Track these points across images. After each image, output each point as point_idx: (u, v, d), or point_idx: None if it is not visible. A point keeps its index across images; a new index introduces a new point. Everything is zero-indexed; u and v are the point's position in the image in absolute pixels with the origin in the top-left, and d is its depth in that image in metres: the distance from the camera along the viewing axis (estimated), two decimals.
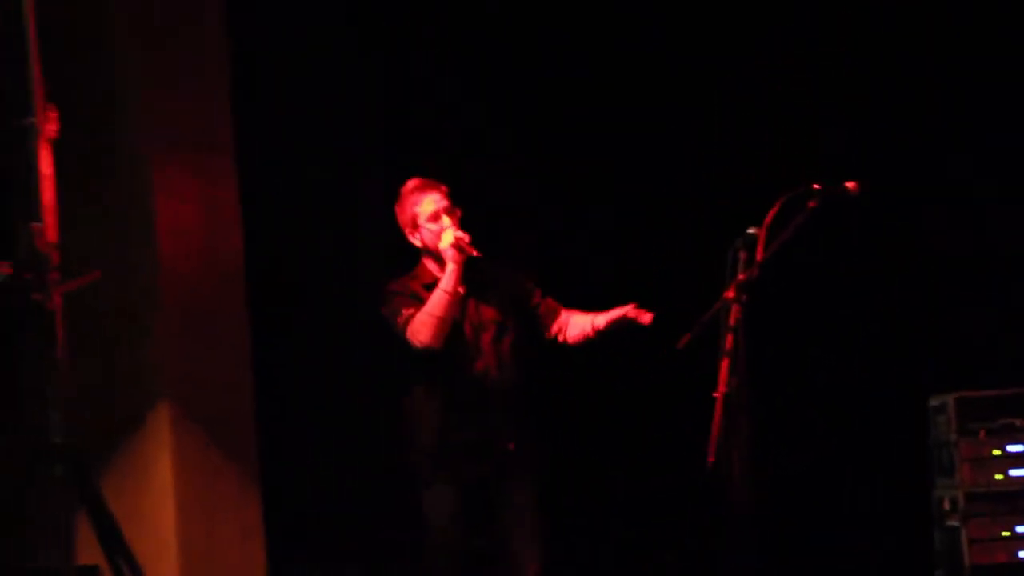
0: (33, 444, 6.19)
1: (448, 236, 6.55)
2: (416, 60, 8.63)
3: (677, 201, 8.46)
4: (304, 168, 8.46)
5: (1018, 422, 8.09)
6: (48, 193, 5.98)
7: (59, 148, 6.09)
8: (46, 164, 5.98)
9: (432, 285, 6.60)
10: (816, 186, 5.95)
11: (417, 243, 6.70)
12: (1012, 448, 8.06)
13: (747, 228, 5.88)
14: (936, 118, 8.58)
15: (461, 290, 6.58)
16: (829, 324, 8.60)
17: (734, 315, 5.74)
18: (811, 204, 5.93)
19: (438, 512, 6.57)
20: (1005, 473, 8.05)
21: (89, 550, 6.10)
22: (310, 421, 8.47)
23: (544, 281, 6.86)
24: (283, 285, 8.40)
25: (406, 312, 6.56)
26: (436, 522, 6.58)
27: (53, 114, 5.99)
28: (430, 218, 6.64)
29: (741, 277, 5.80)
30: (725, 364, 5.70)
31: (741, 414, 5.69)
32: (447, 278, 6.53)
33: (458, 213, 6.66)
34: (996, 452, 8.06)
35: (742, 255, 5.83)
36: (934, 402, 8.26)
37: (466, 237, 6.56)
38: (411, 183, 6.74)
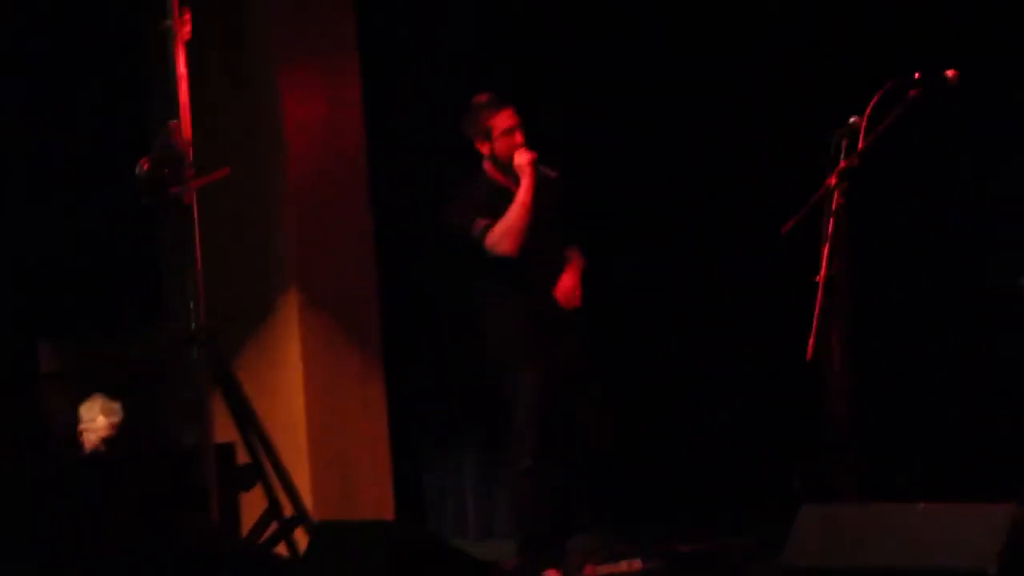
0: (173, 329, 6.44)
1: (525, 153, 6.87)
2: None
3: (782, 89, 8.45)
4: (424, 70, 8.57)
5: None
6: (183, 92, 6.17)
7: (192, 49, 6.28)
8: (181, 64, 6.17)
9: (498, 193, 6.94)
10: (916, 75, 5.98)
11: (485, 152, 7.02)
12: None
13: (849, 117, 5.94)
14: None
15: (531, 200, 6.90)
16: (929, 211, 8.60)
17: (836, 201, 5.81)
18: (911, 93, 5.96)
19: (530, 390, 6.95)
20: None
21: (226, 426, 6.35)
22: (430, 305, 8.63)
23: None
24: (404, 178, 8.55)
25: (481, 222, 6.91)
26: (527, 399, 6.95)
27: (187, 17, 6.17)
28: (505, 132, 6.95)
29: (843, 164, 5.86)
30: (827, 249, 5.79)
31: (842, 298, 5.78)
32: (524, 192, 6.88)
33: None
34: None
35: (844, 143, 5.90)
36: None
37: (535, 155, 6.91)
38: (484, 96, 7.02)
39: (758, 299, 8.31)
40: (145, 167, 6.15)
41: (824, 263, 5.77)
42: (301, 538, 6.22)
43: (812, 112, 6.95)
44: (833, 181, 5.84)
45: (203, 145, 6.38)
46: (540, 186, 6.97)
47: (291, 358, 8.00)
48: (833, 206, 5.81)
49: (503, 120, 6.96)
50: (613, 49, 8.56)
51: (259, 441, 6.28)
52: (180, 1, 6.15)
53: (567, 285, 7.05)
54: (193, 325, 6.11)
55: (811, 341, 5.69)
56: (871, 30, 8.41)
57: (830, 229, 5.80)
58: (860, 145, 5.87)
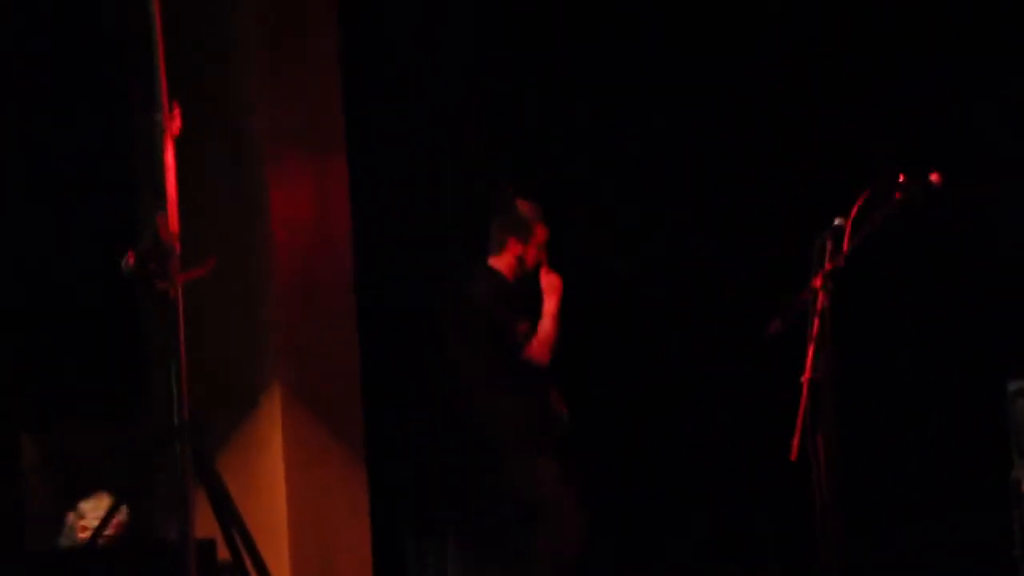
0: (156, 424, 6.38)
1: (556, 277, 7.26)
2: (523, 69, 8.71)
3: (764, 193, 8.49)
4: (410, 164, 8.59)
5: None
6: (171, 186, 6.14)
7: (180, 142, 6.26)
8: (170, 158, 6.14)
9: (506, 292, 7.26)
10: (901, 178, 6.00)
11: (516, 252, 7.32)
12: None
13: (833, 219, 5.94)
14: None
15: None
16: (913, 311, 8.62)
17: (821, 302, 5.80)
18: (896, 196, 5.98)
19: (547, 481, 7.17)
20: None
21: (206, 522, 6.28)
22: (413, 403, 8.58)
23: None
24: (391, 276, 8.54)
25: (521, 328, 7.17)
26: (546, 492, 7.17)
27: (177, 111, 6.15)
28: (542, 245, 7.33)
29: (828, 266, 5.85)
30: (812, 350, 5.77)
31: (827, 399, 5.76)
32: (556, 306, 7.25)
33: None
34: None
35: (829, 245, 5.90)
36: (1013, 386, 8.26)
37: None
38: (533, 204, 7.35)
39: (743, 399, 8.30)
40: (131, 261, 6.11)
41: (809, 364, 5.75)
42: None
43: (796, 214, 6.96)
44: (818, 282, 5.83)
45: (191, 239, 6.34)
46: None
47: (273, 454, 7.94)
48: (818, 307, 5.79)
49: (543, 234, 7.31)
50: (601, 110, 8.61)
51: (240, 537, 6.19)
52: (170, 95, 6.13)
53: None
54: (176, 419, 6.04)
55: (795, 441, 5.66)
56: (857, 130, 8.47)
57: (815, 330, 5.79)
58: (845, 247, 5.86)
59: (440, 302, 7.55)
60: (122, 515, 6.96)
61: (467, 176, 8.54)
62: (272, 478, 7.92)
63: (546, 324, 7.24)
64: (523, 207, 7.34)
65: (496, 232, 7.38)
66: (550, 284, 7.29)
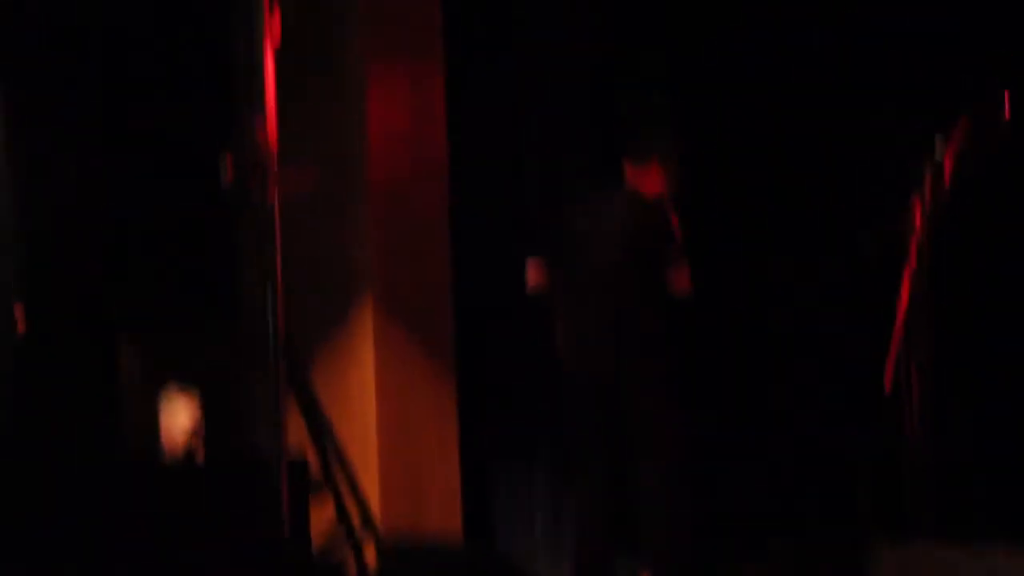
0: (251, 336, 6.39)
1: None
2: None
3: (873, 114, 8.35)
4: (508, 82, 8.53)
5: None
6: (271, 94, 6.12)
7: (281, 49, 6.23)
8: (269, 65, 6.12)
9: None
10: (1007, 98, 5.87)
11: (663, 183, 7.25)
12: None
13: (935, 144, 5.84)
14: None
15: None
16: (1014, 244, 8.49)
17: (920, 232, 5.73)
18: (1003, 123, 5.86)
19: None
20: None
21: (300, 433, 6.32)
22: (505, 317, 8.56)
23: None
24: (485, 188, 8.50)
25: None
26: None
27: (278, 16, 6.12)
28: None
29: (928, 194, 5.78)
30: (908, 279, 5.71)
31: (924, 325, 5.70)
32: None
33: None
34: None
35: (929, 179, 5.82)
36: None
37: None
38: None
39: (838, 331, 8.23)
40: (228, 166, 6.11)
41: (905, 294, 5.68)
42: (370, 552, 6.17)
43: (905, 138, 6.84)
44: (918, 211, 5.75)
45: (289, 148, 6.33)
46: None
47: (365, 366, 7.94)
48: (918, 237, 5.72)
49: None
50: None
51: (331, 450, 6.23)
52: (271, 1, 6.10)
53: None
54: (271, 333, 6.05)
55: (888, 372, 5.61)
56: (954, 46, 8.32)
57: (913, 260, 5.71)
58: (947, 176, 5.77)
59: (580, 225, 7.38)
60: (196, 412, 7.00)
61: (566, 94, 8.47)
62: (363, 392, 7.92)
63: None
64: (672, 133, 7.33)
65: (638, 150, 7.26)
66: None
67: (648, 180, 7.21)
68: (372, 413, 7.89)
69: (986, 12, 8.09)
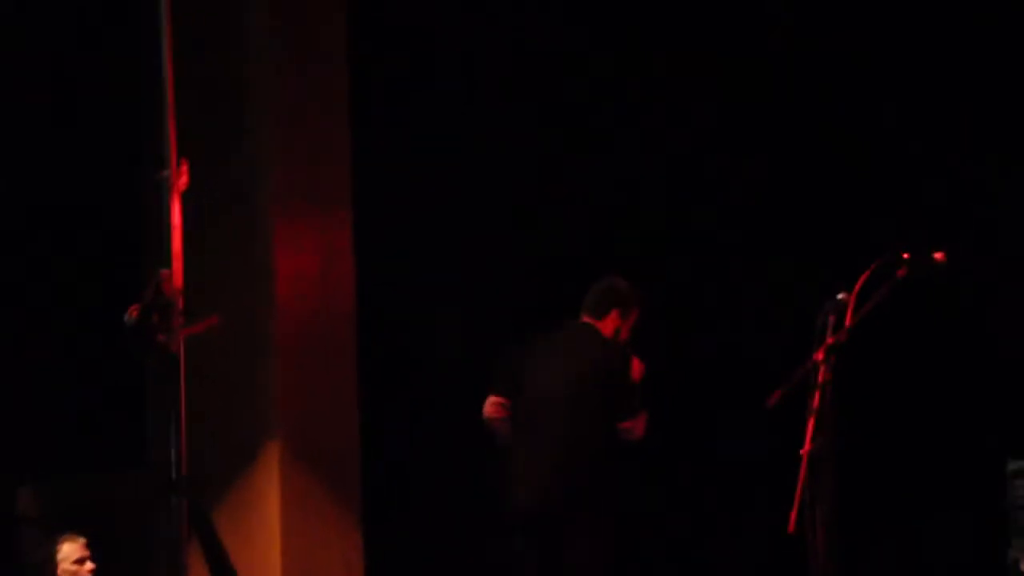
0: (155, 477, 6.32)
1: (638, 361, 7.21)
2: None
3: (768, 267, 8.47)
4: (416, 221, 8.57)
5: None
6: (177, 242, 6.11)
7: (187, 198, 6.25)
8: (176, 214, 6.11)
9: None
10: (905, 255, 5.97)
11: (613, 325, 7.26)
12: None
13: (837, 293, 5.91)
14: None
15: None
16: (914, 387, 8.60)
17: (822, 375, 5.77)
18: (900, 272, 5.94)
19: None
20: None
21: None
22: (414, 463, 8.53)
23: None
24: (393, 332, 8.51)
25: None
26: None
27: (185, 167, 6.13)
28: (634, 326, 7.31)
29: (830, 340, 5.82)
30: (812, 423, 5.73)
31: (827, 472, 5.71)
32: None
33: None
34: None
35: (831, 319, 5.87)
36: (1013, 465, 8.23)
37: None
38: (636, 289, 7.34)
39: (743, 472, 8.25)
40: (134, 314, 6.07)
41: (809, 436, 5.70)
42: None
43: (800, 289, 6.93)
44: (820, 356, 5.79)
45: (195, 294, 6.32)
46: None
47: (270, 510, 7.89)
48: (820, 380, 5.76)
49: (636, 316, 7.30)
50: None
51: None
52: (179, 152, 6.12)
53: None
54: (175, 473, 5.99)
55: (793, 514, 5.61)
56: (861, 208, 8.47)
57: (815, 403, 5.75)
58: (847, 322, 5.83)
59: (539, 348, 7.35)
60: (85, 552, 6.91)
61: (472, 236, 8.53)
62: (268, 534, 7.87)
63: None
64: (626, 286, 7.33)
65: (597, 302, 7.30)
66: (638, 368, 7.22)
67: (606, 328, 7.26)
68: (277, 558, 7.81)
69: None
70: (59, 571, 6.99)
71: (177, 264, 6.11)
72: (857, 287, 5.83)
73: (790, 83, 8.62)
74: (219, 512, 7.84)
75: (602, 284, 7.31)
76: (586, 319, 7.26)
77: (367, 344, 8.23)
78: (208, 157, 7.82)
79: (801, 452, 5.67)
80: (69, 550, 7.01)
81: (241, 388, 8.03)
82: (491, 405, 7.19)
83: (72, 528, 7.10)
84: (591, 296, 7.30)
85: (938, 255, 6.00)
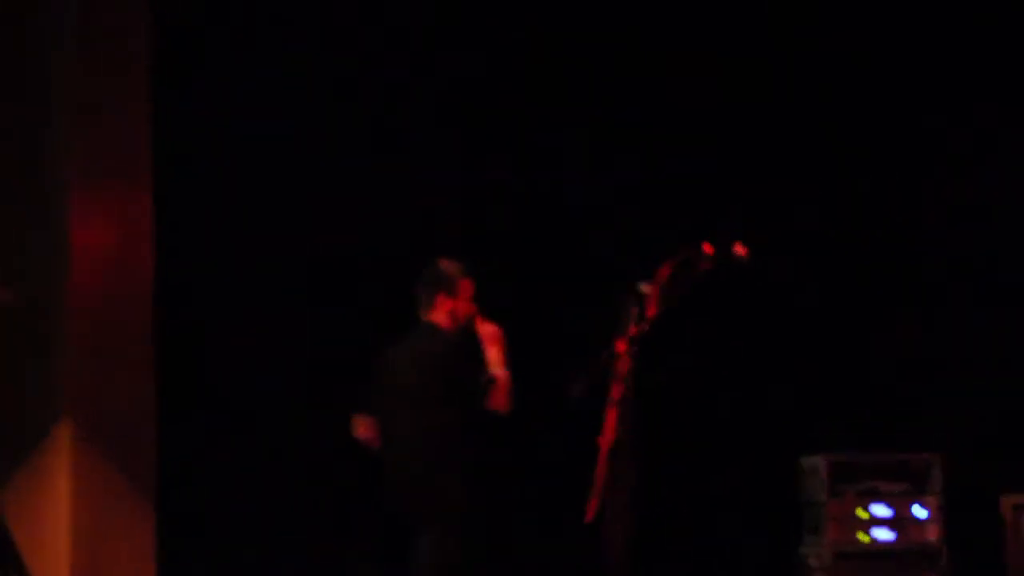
0: None
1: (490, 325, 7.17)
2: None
3: (571, 259, 8.50)
4: (220, 200, 8.43)
5: (883, 486, 8.21)
6: None
7: None
8: None
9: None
10: (707, 247, 6.00)
11: (446, 307, 7.21)
12: (877, 510, 8.18)
13: (639, 284, 5.92)
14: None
15: None
16: (712, 380, 8.71)
17: (624, 366, 5.78)
18: (702, 265, 5.98)
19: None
20: (869, 533, 8.17)
21: None
22: (211, 449, 8.39)
23: None
24: (192, 313, 8.37)
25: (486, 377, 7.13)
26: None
27: None
28: (470, 298, 7.24)
29: (632, 331, 5.84)
30: (612, 413, 5.74)
31: (625, 462, 5.72)
32: (502, 355, 7.10)
33: None
34: (862, 513, 8.17)
35: (633, 310, 5.88)
36: (806, 463, 8.36)
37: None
38: (457, 264, 7.28)
39: (543, 461, 8.27)
40: None
41: (608, 426, 5.72)
42: None
43: (603, 279, 6.95)
44: (622, 347, 5.81)
45: None
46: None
47: (60, 492, 7.71)
48: (621, 371, 5.77)
49: (469, 287, 7.23)
50: None
51: None
52: None
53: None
54: None
55: (592, 503, 5.62)
56: (666, 199, 8.54)
57: (616, 393, 5.76)
58: (649, 313, 5.85)
59: (389, 356, 7.27)
60: None
61: (280, 220, 8.43)
62: (57, 518, 7.68)
63: (500, 373, 7.02)
64: (445, 265, 7.24)
65: (424, 292, 7.22)
66: (490, 333, 7.11)
67: (439, 317, 7.19)
68: (66, 544, 7.65)
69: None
70: None
71: None
72: (659, 279, 5.86)
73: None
74: (6, 495, 7.65)
75: (423, 276, 7.27)
76: (423, 316, 7.22)
77: (165, 326, 8.06)
78: (3, 128, 7.67)
79: (600, 441, 5.69)
80: None
81: (33, 369, 7.83)
82: (360, 428, 7.19)
83: None
84: (418, 291, 7.27)
85: (739, 248, 6.07)
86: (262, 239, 8.40)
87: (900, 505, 8.17)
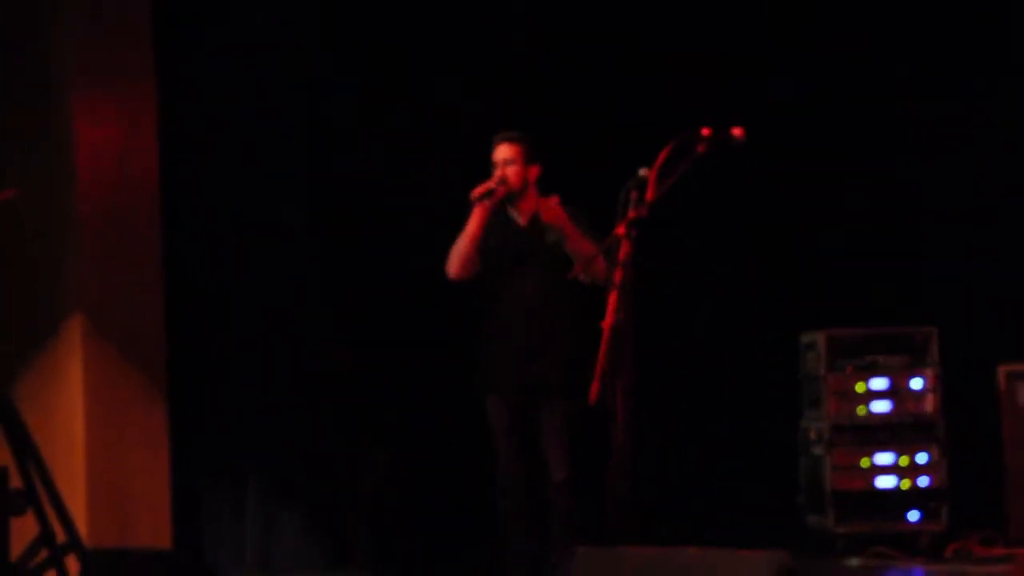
0: None
1: (476, 189, 6.89)
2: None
3: (575, 138, 8.49)
4: (223, 99, 8.42)
5: (881, 359, 8.26)
6: None
7: None
8: None
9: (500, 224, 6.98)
10: (704, 131, 6.00)
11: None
12: (875, 384, 8.24)
13: (639, 168, 5.92)
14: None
15: (478, 232, 6.86)
16: (712, 261, 8.74)
17: (624, 250, 5.80)
18: (700, 148, 5.98)
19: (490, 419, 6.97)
20: (867, 407, 8.23)
21: (0, 450, 6.12)
22: (220, 338, 8.44)
23: None
24: (198, 207, 8.39)
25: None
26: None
27: None
28: (500, 164, 6.94)
29: (631, 215, 5.85)
30: (614, 297, 5.77)
31: (626, 345, 5.76)
32: (470, 222, 6.88)
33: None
34: (860, 387, 8.23)
35: (633, 194, 5.88)
36: (805, 339, 8.42)
37: (489, 185, 6.87)
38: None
39: None
40: None
41: (610, 310, 5.74)
42: (73, 566, 6.00)
43: (602, 163, 6.95)
44: (622, 231, 5.82)
45: None
46: (507, 224, 6.98)
47: (72, 383, 7.77)
48: (621, 255, 5.79)
49: (498, 153, 6.95)
50: None
51: (34, 466, 6.03)
52: None
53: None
54: None
55: (595, 385, 5.66)
56: (664, 82, 8.52)
57: (617, 277, 5.78)
58: (649, 196, 5.85)
59: None
60: None
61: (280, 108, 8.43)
62: (70, 407, 7.76)
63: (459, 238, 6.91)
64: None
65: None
66: (471, 196, 6.88)
67: None
68: (80, 432, 7.73)
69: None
70: None
71: None
72: (658, 163, 5.86)
73: None
74: (21, 386, 7.73)
75: None
76: None
77: (171, 218, 8.09)
78: (5, 28, 7.64)
79: (603, 325, 5.73)
80: None
81: (43, 263, 7.87)
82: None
83: None
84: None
85: (736, 131, 6.06)
86: (264, 137, 8.42)
87: (898, 377, 8.22)
